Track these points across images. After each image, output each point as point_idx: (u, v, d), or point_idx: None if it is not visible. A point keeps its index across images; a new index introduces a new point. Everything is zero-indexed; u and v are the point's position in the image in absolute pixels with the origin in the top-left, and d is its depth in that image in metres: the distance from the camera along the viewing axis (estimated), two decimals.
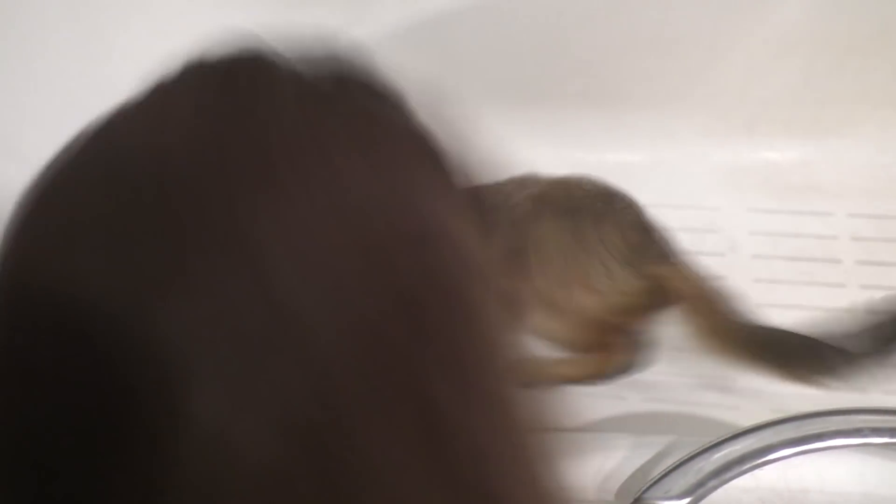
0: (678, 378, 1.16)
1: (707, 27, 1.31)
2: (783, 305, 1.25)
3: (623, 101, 1.41)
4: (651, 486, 0.61)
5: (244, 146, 0.30)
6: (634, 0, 1.28)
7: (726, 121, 1.42)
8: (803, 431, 0.60)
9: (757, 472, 0.65)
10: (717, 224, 1.30)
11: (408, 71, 1.36)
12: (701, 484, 0.60)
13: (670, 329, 1.12)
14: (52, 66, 1.15)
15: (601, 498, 0.63)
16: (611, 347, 1.13)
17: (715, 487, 0.60)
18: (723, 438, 0.62)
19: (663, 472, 0.60)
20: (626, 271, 1.13)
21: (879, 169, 1.36)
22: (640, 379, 1.17)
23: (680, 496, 0.60)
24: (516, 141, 1.35)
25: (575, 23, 1.30)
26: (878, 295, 1.24)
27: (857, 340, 0.98)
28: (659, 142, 1.44)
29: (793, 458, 0.64)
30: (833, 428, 0.61)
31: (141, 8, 1.28)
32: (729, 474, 0.60)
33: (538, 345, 1.21)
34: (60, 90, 1.16)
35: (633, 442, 0.69)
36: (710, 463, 0.60)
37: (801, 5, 1.26)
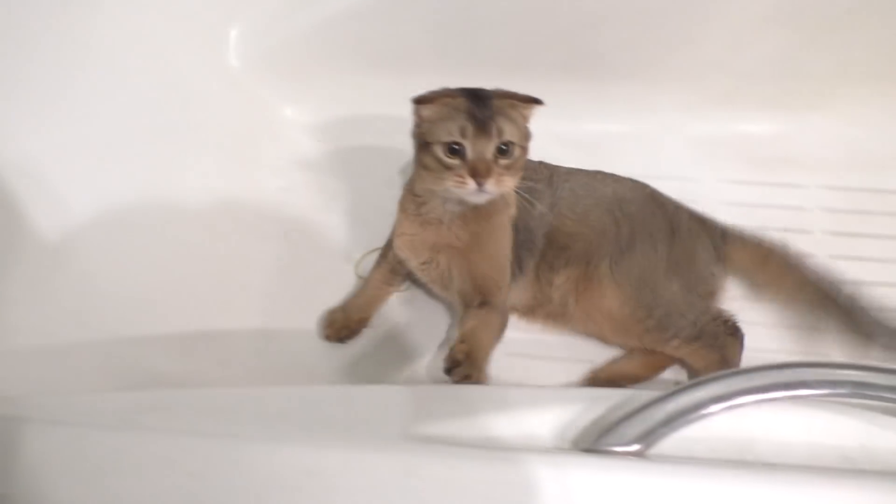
0: None
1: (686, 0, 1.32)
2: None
3: (604, 72, 1.43)
4: (604, 433, 0.64)
5: None
6: None
7: (705, 93, 1.44)
8: (749, 384, 0.63)
9: (708, 422, 0.69)
10: (694, 193, 1.32)
11: (387, 39, 1.38)
12: (651, 431, 0.63)
13: None
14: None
15: (558, 446, 0.66)
16: None
17: (665, 434, 0.63)
18: (673, 391, 0.65)
19: (616, 420, 0.63)
20: (719, 267, 1.21)
21: (853, 143, 1.39)
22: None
23: (631, 442, 0.63)
24: None
25: None
26: (845, 266, 1.28)
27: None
28: (639, 113, 1.47)
29: (742, 410, 0.67)
30: (778, 380, 0.64)
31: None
32: (678, 422, 0.63)
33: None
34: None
35: (591, 395, 0.72)
36: (661, 412, 0.63)
37: None
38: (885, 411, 0.69)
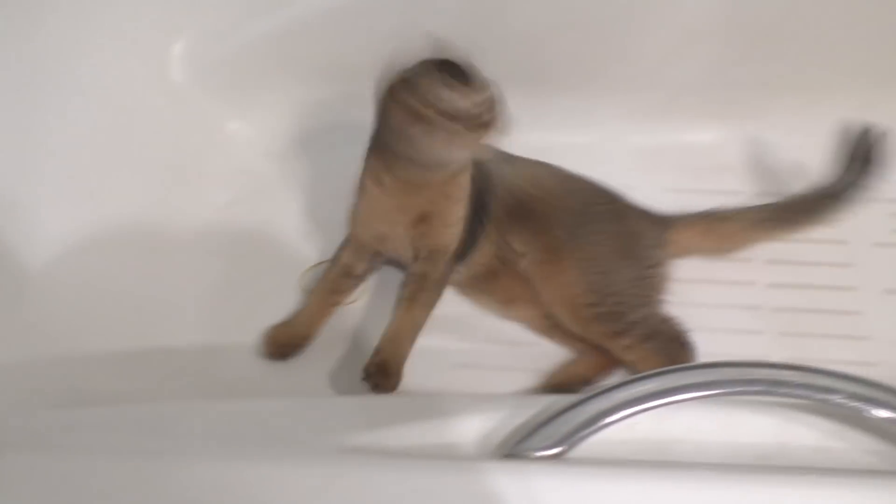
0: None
1: (624, 11, 1.35)
2: (695, 280, 1.31)
3: (544, 83, 1.45)
4: (525, 438, 0.64)
5: None
6: None
7: (644, 104, 1.47)
8: (666, 385, 0.65)
9: (631, 423, 0.70)
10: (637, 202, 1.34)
11: (335, 51, 1.38)
12: (572, 434, 0.64)
13: None
14: None
15: (480, 453, 0.66)
16: None
17: (585, 437, 0.64)
18: (593, 393, 0.66)
19: (536, 425, 0.64)
20: (663, 255, 1.23)
21: (786, 151, 1.43)
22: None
23: (552, 445, 0.64)
24: None
25: (494, 5, 1.33)
26: (780, 270, 1.32)
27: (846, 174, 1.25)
28: (579, 124, 1.49)
29: (662, 411, 0.68)
30: (695, 380, 0.66)
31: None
32: (598, 424, 0.64)
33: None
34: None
35: (515, 402, 0.73)
36: (581, 415, 0.64)
37: None
38: (801, 408, 0.71)
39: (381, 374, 1.10)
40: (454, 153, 1.04)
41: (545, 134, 1.48)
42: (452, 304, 1.30)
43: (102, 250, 1.27)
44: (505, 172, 1.24)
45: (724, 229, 1.27)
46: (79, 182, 1.26)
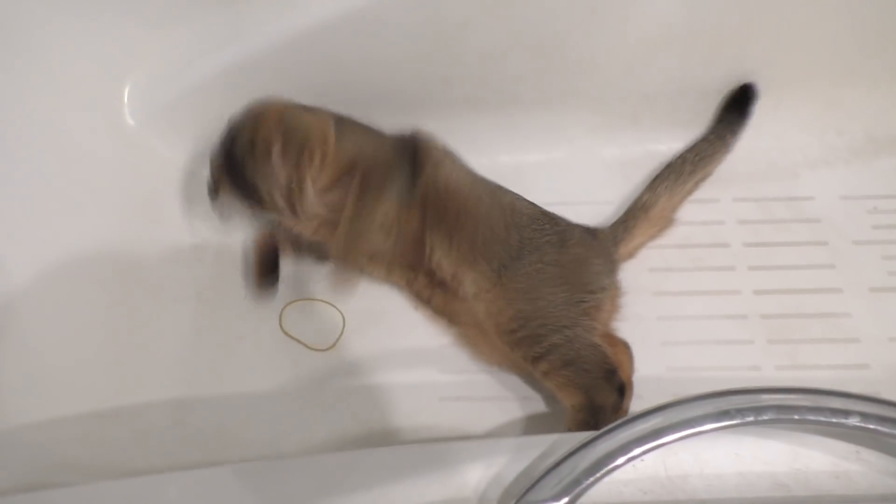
0: None
1: (583, 26, 1.32)
2: (677, 293, 1.29)
3: (511, 102, 1.42)
4: (529, 489, 0.60)
5: None
6: (511, 3, 1.28)
7: (612, 116, 1.45)
8: (672, 420, 0.61)
9: (636, 463, 0.66)
10: (610, 217, 1.32)
11: (293, 81, 1.34)
12: (577, 482, 0.60)
13: None
14: None
15: None
16: None
17: (591, 484, 0.60)
18: (597, 435, 0.62)
19: (539, 474, 0.60)
20: (612, 279, 1.22)
21: (758, 154, 1.42)
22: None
23: (557, 496, 0.60)
24: None
25: (455, 28, 1.30)
26: (764, 276, 1.30)
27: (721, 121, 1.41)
28: (550, 141, 1.46)
29: (671, 446, 0.65)
30: (703, 413, 0.62)
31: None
32: (604, 469, 0.60)
33: None
34: None
35: (516, 444, 0.69)
36: (585, 459, 0.60)
37: (671, 1, 1.29)
38: (812, 430, 0.68)
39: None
40: None
41: (516, 153, 1.46)
42: (434, 338, 1.26)
43: (61, 301, 1.21)
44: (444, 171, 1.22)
45: (654, 214, 1.31)
46: (37, 229, 1.21)
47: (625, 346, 1.18)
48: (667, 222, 1.34)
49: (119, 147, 1.37)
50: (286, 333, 1.28)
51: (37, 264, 1.20)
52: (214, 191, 1.25)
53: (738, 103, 1.39)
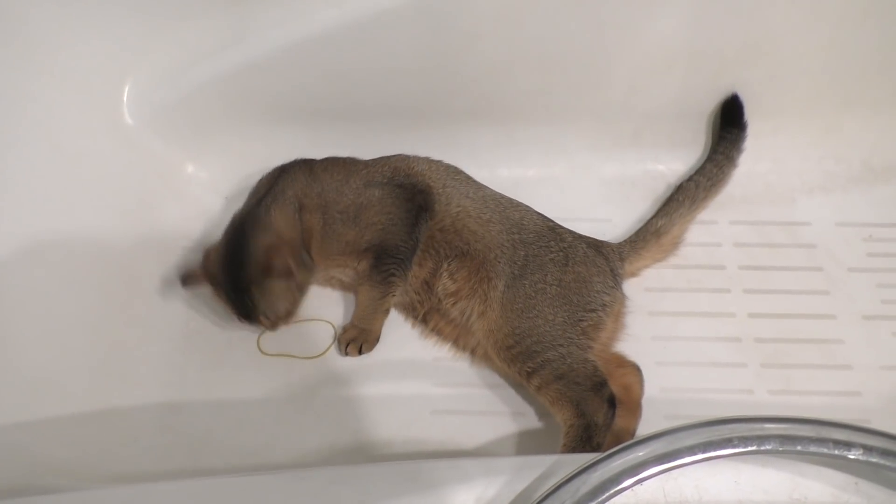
0: None
1: (588, 45, 1.33)
2: (672, 313, 1.29)
3: (513, 117, 1.42)
4: None
5: None
6: (516, 18, 1.28)
7: (613, 134, 1.45)
8: (674, 446, 0.61)
9: (636, 488, 0.65)
10: (607, 234, 1.32)
11: (295, 87, 1.33)
12: None
13: None
14: None
15: None
16: None
17: None
18: (596, 459, 0.61)
19: (539, 499, 0.59)
20: (617, 293, 1.24)
21: (756, 177, 1.42)
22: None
23: None
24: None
25: (459, 42, 1.30)
26: (759, 300, 1.30)
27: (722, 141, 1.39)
28: (550, 156, 1.46)
29: (671, 472, 0.64)
30: (705, 440, 0.62)
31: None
32: (604, 495, 0.59)
33: None
34: None
35: (516, 464, 0.68)
36: (584, 485, 0.60)
37: (674, 23, 1.30)
38: (812, 461, 0.68)
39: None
40: None
41: (516, 167, 1.46)
42: (429, 350, 1.25)
43: (54, 302, 1.19)
44: (460, 209, 1.24)
45: (667, 239, 1.32)
46: (31, 226, 1.20)
47: (634, 368, 1.18)
48: (675, 248, 1.34)
49: (117, 146, 1.36)
50: (265, 353, 1.27)
51: (29, 263, 1.18)
52: (186, 281, 1.24)
53: (731, 117, 1.39)
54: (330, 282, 1.32)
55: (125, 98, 1.36)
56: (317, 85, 1.36)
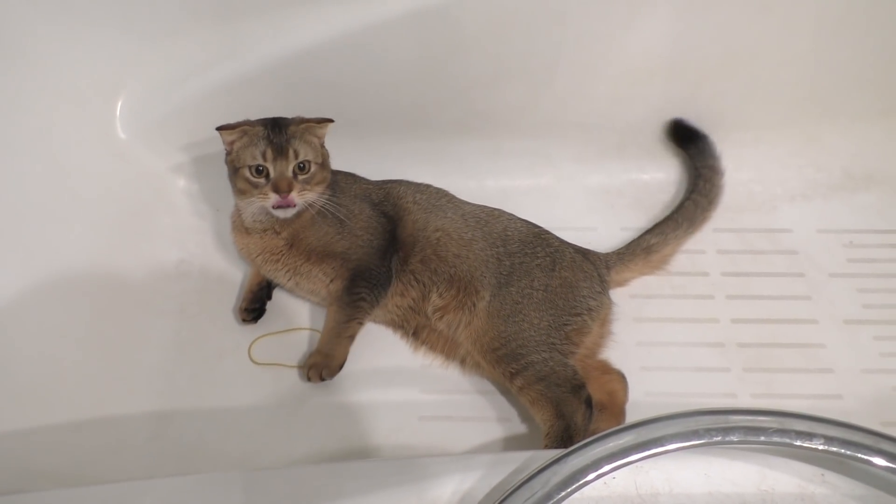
0: None
1: (570, 57, 1.36)
2: (657, 319, 1.30)
3: (500, 129, 1.45)
4: (500, 503, 0.61)
5: None
6: (500, 32, 1.31)
7: (598, 145, 1.48)
8: (642, 438, 0.62)
9: (608, 480, 0.67)
10: (593, 243, 1.34)
11: (286, 101, 1.35)
12: (549, 496, 0.61)
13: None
14: None
15: None
16: None
17: (563, 499, 0.61)
18: (568, 451, 0.63)
19: (511, 489, 0.61)
20: (603, 297, 1.26)
21: (738, 186, 1.45)
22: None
23: None
24: (400, 168, 1.37)
25: (445, 54, 1.33)
26: (742, 305, 1.32)
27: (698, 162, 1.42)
28: (536, 167, 1.49)
29: (642, 465, 0.66)
30: (672, 431, 0.64)
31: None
32: (574, 484, 0.61)
33: None
34: None
35: (490, 460, 0.70)
36: (556, 475, 0.61)
37: (655, 37, 1.33)
38: (780, 453, 0.70)
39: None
40: None
41: (504, 178, 1.49)
42: (416, 357, 1.27)
43: (43, 310, 1.21)
44: (440, 234, 1.26)
45: (656, 257, 1.34)
46: (23, 239, 1.21)
47: (619, 375, 1.20)
48: (663, 265, 1.36)
49: (110, 160, 1.39)
50: (256, 362, 1.28)
51: (22, 273, 1.20)
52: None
53: (686, 137, 1.43)
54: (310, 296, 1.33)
55: (118, 112, 1.39)
56: (306, 98, 1.39)
